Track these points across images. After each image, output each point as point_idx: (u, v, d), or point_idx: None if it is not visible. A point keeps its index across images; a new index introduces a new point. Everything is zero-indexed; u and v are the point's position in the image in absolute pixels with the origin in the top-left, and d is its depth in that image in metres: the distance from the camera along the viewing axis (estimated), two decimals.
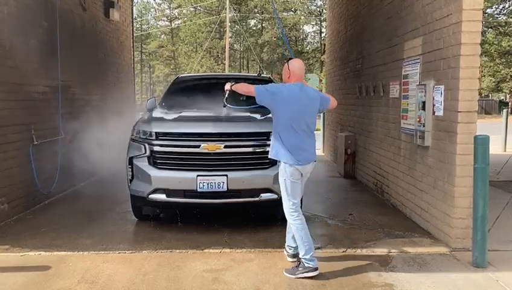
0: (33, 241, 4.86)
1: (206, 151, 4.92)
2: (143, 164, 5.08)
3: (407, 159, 5.78)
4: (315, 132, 4.21)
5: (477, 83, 4.45)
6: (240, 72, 46.22)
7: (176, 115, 5.53)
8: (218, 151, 4.92)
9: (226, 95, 4.52)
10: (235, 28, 45.24)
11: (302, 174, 4.07)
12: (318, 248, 4.63)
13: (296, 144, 3.99)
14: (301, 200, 4.46)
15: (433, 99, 4.94)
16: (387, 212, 6.06)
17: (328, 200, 6.86)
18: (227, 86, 4.38)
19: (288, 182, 4.03)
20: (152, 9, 54.93)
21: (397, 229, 5.25)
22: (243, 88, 4.25)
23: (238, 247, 4.66)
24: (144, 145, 5.09)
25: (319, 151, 12.69)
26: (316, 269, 3.94)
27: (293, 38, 45.78)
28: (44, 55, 6.61)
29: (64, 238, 4.94)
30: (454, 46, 4.49)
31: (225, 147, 4.93)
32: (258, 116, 5.40)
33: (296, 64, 4.09)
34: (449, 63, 4.59)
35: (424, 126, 5.10)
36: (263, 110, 5.26)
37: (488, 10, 38.35)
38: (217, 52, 46.40)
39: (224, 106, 4.67)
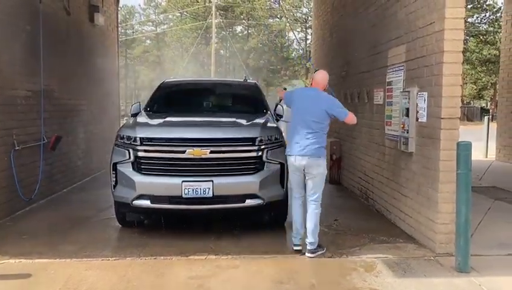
0: (13, 249, 4.74)
1: (191, 156, 4.88)
2: (127, 169, 5.01)
3: (392, 165, 5.83)
4: None
5: (460, 90, 4.52)
6: (226, 77, 46.22)
7: (161, 120, 5.49)
8: (203, 156, 4.89)
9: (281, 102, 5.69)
10: (221, 34, 45.27)
11: (297, 166, 4.60)
12: (303, 254, 4.64)
13: (292, 136, 4.69)
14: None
15: (417, 106, 4.99)
16: (372, 218, 6.10)
17: None
18: (281, 93, 5.40)
19: (289, 171, 4.80)
20: (137, 14, 54.65)
21: (382, 234, 5.28)
22: (280, 93, 5.44)
23: (224, 253, 4.62)
24: (128, 151, 5.03)
25: None
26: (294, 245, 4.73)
27: (278, 44, 46.02)
28: (27, 59, 6.50)
29: (46, 245, 4.84)
30: (437, 54, 4.55)
31: (211, 152, 4.90)
32: (243, 121, 5.39)
33: (318, 74, 4.90)
34: (432, 70, 4.66)
35: (407, 132, 5.15)
36: (254, 116, 5.35)
37: (470, 19, 39.16)
38: (203, 58, 46.33)
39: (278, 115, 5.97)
